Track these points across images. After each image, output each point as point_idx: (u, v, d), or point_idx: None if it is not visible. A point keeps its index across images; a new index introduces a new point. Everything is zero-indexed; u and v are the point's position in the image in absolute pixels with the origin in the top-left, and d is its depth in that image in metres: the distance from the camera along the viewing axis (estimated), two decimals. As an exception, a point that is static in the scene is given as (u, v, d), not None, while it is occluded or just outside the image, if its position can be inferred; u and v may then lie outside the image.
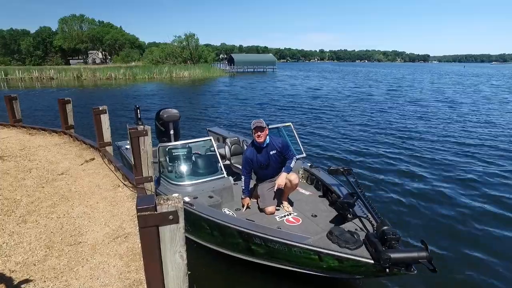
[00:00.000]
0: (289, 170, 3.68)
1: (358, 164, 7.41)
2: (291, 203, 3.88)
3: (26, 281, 2.56)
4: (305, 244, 2.65)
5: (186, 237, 3.96)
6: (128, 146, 5.90)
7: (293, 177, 3.69)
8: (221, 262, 3.69)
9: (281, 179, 3.62)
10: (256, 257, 3.19)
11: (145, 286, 2.34)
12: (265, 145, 3.69)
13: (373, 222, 2.84)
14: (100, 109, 5.94)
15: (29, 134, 7.95)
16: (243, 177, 3.84)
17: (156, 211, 1.66)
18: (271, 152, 3.70)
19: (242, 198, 3.88)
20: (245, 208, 3.83)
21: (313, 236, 2.78)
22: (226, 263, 3.64)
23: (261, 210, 3.76)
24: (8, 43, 78.45)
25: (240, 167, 4.52)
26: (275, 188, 3.64)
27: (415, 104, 17.48)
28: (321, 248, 2.59)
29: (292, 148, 4.09)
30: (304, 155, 4.92)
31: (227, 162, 5.12)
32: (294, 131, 4.96)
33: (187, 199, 3.58)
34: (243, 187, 3.83)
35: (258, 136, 3.61)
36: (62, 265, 2.78)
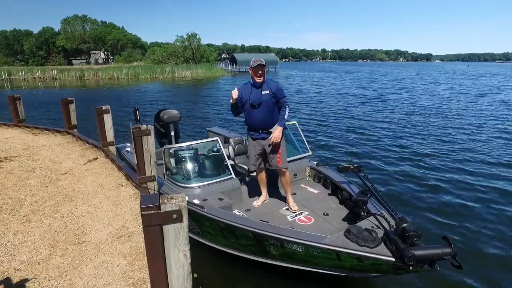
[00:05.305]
0: (283, 123, 3.58)
1: (366, 162, 7.35)
2: (299, 204, 3.83)
3: (31, 279, 2.58)
4: (325, 244, 2.60)
5: (196, 240, 3.93)
6: (128, 149, 5.88)
7: (287, 173, 3.75)
8: (230, 264, 3.66)
9: (277, 133, 3.53)
10: (270, 258, 3.13)
11: (149, 285, 2.35)
12: (260, 84, 3.56)
13: (389, 219, 2.79)
14: (103, 108, 5.94)
15: (33, 133, 7.99)
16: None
17: (160, 210, 1.66)
18: (263, 92, 3.54)
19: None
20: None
21: (330, 235, 2.72)
22: (235, 265, 3.61)
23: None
24: (11, 43, 78.88)
25: (245, 166, 4.51)
26: (271, 142, 3.55)
27: (427, 103, 17.28)
28: (340, 247, 2.54)
29: (285, 94, 3.79)
30: (310, 153, 4.89)
31: (231, 162, 5.12)
32: (299, 129, 4.93)
33: (196, 201, 3.51)
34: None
35: (260, 75, 3.46)
36: (66, 264, 2.80)
